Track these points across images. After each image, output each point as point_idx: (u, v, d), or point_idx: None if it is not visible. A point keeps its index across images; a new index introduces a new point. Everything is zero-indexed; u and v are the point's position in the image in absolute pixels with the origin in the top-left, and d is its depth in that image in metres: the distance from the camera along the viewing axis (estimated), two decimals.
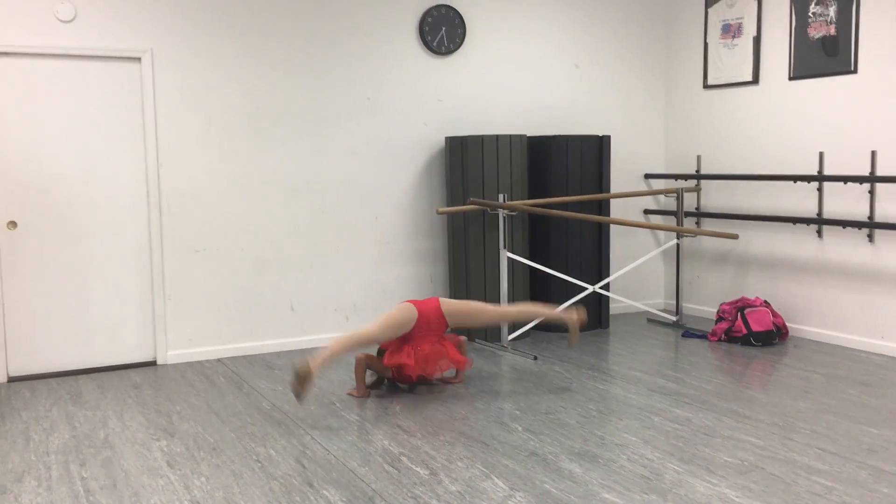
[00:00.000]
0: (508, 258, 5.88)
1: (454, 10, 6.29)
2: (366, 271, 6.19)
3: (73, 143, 5.32)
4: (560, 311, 4.88)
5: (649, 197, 7.10)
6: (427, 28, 6.22)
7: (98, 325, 5.46)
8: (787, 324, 6.01)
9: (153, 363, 5.61)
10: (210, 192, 5.67)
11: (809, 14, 5.83)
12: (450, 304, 4.83)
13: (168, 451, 3.92)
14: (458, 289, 6.13)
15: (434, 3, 6.23)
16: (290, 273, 5.94)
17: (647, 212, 7.17)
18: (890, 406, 4.36)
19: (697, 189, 6.75)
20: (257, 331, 5.87)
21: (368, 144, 6.13)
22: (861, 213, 5.55)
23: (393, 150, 6.21)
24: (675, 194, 6.58)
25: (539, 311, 5.12)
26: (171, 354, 5.63)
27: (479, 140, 5.93)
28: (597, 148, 6.37)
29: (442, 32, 6.28)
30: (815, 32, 5.81)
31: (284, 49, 5.81)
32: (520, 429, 4.14)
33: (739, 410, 4.34)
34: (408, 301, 4.80)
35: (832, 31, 5.69)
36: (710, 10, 6.64)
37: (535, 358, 5.56)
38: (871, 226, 5.46)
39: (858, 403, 4.42)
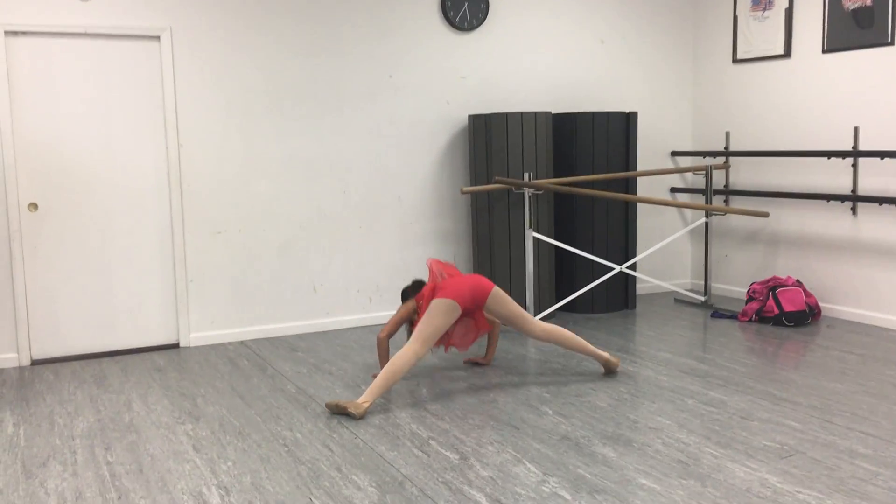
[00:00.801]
0: (534, 238, 5.77)
1: None
2: (389, 252, 6.11)
3: (92, 123, 5.26)
4: (601, 352, 4.62)
5: (676, 175, 6.95)
6: (449, 3, 6.09)
7: (120, 307, 5.41)
8: (821, 304, 5.88)
9: (176, 346, 5.56)
10: (231, 174, 5.59)
11: None
12: (497, 303, 4.50)
13: (193, 435, 3.87)
14: (483, 269, 6.03)
15: None
16: (313, 254, 5.87)
17: (673, 190, 7.02)
18: None
19: (727, 166, 6.60)
20: (280, 313, 5.81)
21: (391, 124, 6.02)
22: None
23: (415, 129, 6.10)
24: (704, 172, 6.44)
25: (580, 343, 4.58)
26: (193, 337, 5.58)
27: (504, 118, 5.81)
28: (623, 125, 6.23)
29: (464, 7, 6.14)
30: (850, 3, 5.62)
31: (305, 27, 5.70)
32: (550, 412, 4.05)
33: (775, 392, 4.22)
34: (449, 298, 4.34)
35: (867, 1, 5.51)
36: None
37: None
38: None
39: None
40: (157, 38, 5.34)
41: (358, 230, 5.99)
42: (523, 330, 4.54)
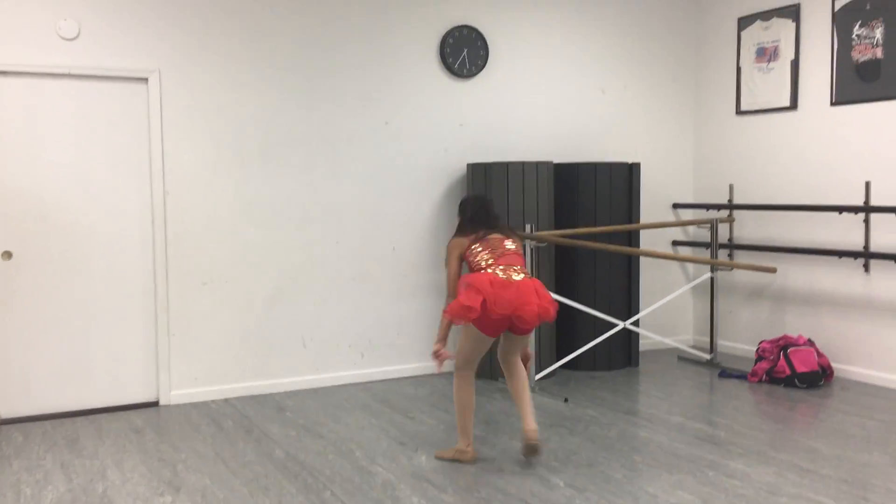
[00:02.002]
0: None
1: (476, 30, 5.99)
2: (383, 305, 5.82)
3: (74, 167, 4.98)
4: (530, 420, 3.98)
5: (677, 228, 6.76)
6: (448, 50, 5.92)
7: (97, 362, 5.08)
8: (833, 364, 5.64)
9: (155, 404, 5.22)
10: (219, 221, 5.32)
11: (853, 36, 5.53)
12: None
13: None
14: None
15: (455, 24, 5.93)
16: (303, 307, 5.58)
17: (675, 243, 6.82)
18: None
19: (731, 220, 6.41)
20: (267, 369, 5.49)
21: (386, 171, 5.79)
22: None
23: (412, 177, 5.87)
24: (709, 225, 6.24)
25: (523, 397, 4.07)
26: (174, 394, 5.24)
27: (504, 167, 5.60)
28: (626, 176, 6.04)
29: (463, 54, 5.97)
30: (860, 56, 5.51)
31: (299, 70, 5.49)
32: (561, 484, 3.75)
33: (800, 464, 3.95)
34: (477, 328, 3.94)
35: (878, 54, 5.39)
36: (743, 32, 6.35)
37: (566, 400, 5.18)
38: None
39: None
40: (145, 80, 5.11)
41: (351, 281, 5.71)
42: (509, 352, 4.12)
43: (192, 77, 5.20)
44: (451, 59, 5.93)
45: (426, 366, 5.95)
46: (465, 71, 5.99)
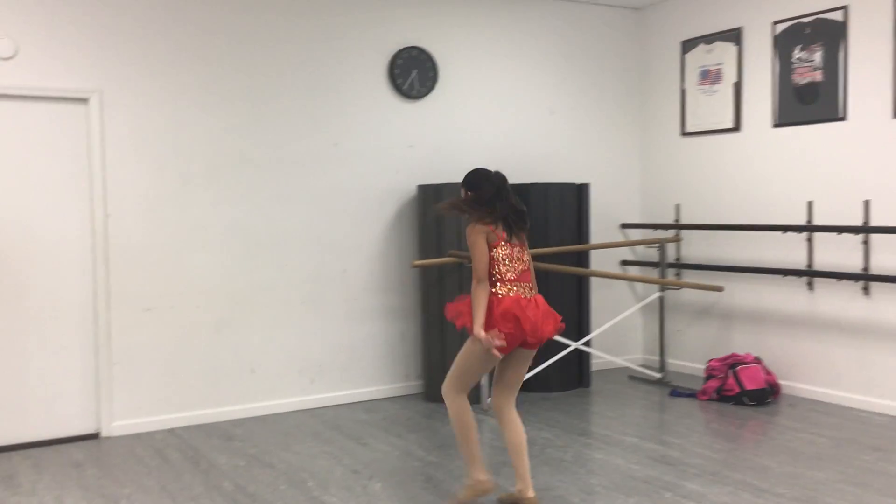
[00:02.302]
0: None
1: (426, 52, 5.98)
2: (333, 329, 5.72)
3: (10, 190, 4.79)
4: (527, 481, 3.65)
5: (626, 248, 6.81)
6: (397, 71, 5.88)
7: (35, 393, 4.86)
8: (780, 381, 5.73)
9: (96, 436, 5.01)
10: (163, 246, 5.16)
11: (793, 60, 5.67)
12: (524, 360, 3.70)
13: None
14: (433, 348, 5.70)
15: (405, 45, 5.91)
16: (251, 332, 5.44)
17: (624, 263, 6.88)
18: None
19: (678, 239, 6.49)
20: (214, 397, 5.33)
21: (336, 193, 5.71)
22: (855, 264, 5.33)
23: (362, 199, 5.80)
24: (658, 245, 6.31)
25: (521, 455, 3.69)
26: (116, 425, 5.05)
27: (455, 188, 5.56)
28: (575, 197, 6.07)
29: (413, 75, 5.95)
30: (800, 79, 5.65)
31: (245, 92, 5.39)
32: None
33: (755, 483, 3.98)
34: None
35: (818, 77, 5.53)
36: (687, 55, 6.47)
37: None
38: (866, 278, 5.24)
39: (879, 472, 4.11)
40: (86, 100, 4.95)
41: (300, 306, 5.60)
42: (503, 396, 3.69)
43: (135, 98, 5.06)
44: (400, 80, 5.90)
45: (378, 390, 5.87)
46: (414, 92, 5.96)
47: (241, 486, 4.08)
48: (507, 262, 3.56)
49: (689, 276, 6.45)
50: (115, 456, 4.64)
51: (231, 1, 5.33)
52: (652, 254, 6.61)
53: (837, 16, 5.38)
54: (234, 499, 3.91)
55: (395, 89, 5.90)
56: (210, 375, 5.32)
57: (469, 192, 3.68)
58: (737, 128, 6.11)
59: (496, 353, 3.45)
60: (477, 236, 3.53)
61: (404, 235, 5.96)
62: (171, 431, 5.10)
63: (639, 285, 6.87)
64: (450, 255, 5.41)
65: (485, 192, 3.63)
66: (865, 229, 5.22)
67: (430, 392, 5.77)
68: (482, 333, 3.43)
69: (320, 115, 5.64)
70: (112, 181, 5.01)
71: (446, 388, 3.71)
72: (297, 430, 5.10)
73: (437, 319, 5.66)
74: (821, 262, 5.55)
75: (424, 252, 5.72)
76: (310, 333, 5.64)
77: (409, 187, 5.95)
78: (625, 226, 6.86)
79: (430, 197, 5.65)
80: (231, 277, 5.37)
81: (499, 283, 3.54)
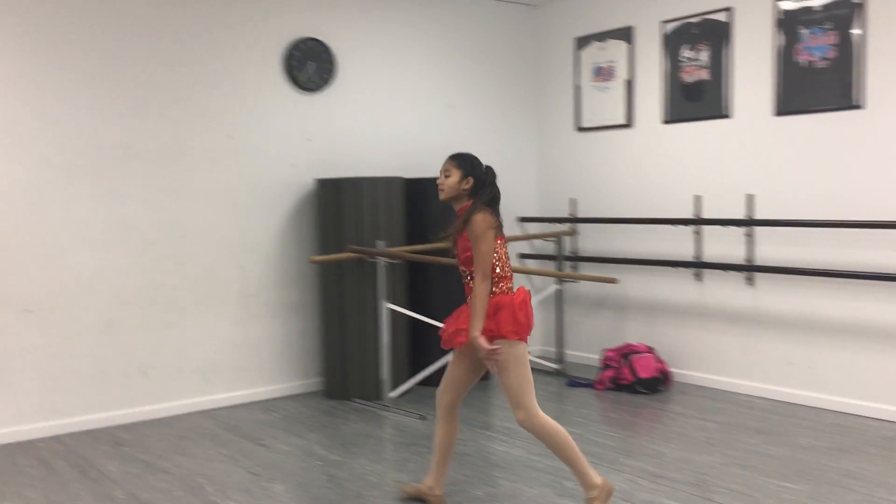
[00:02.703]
0: (388, 309, 5.45)
1: (323, 44, 5.87)
2: (229, 327, 5.56)
3: None
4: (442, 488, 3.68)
5: (524, 241, 6.91)
6: (294, 62, 5.75)
7: None
8: (671, 369, 5.94)
9: None
10: (45, 244, 4.88)
11: (682, 58, 5.87)
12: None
13: None
14: (333, 344, 5.62)
15: (301, 36, 5.78)
16: (142, 333, 5.22)
17: (522, 256, 6.97)
18: (793, 455, 4.28)
19: (573, 233, 6.63)
20: (102, 401, 5.09)
21: (230, 187, 5.54)
22: (739, 256, 5.58)
23: (258, 194, 5.65)
24: (555, 238, 6.42)
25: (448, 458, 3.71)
26: None
27: (354, 183, 5.51)
28: None
29: (310, 67, 5.83)
30: (688, 77, 5.85)
31: (134, 80, 5.15)
32: None
33: (650, 469, 4.11)
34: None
35: (704, 75, 5.75)
36: (581, 52, 6.60)
37: (423, 418, 5.14)
38: (750, 269, 5.49)
39: (764, 454, 4.31)
40: None
41: (194, 304, 5.41)
42: (460, 393, 3.59)
43: (12, 91, 4.75)
44: (296, 72, 5.77)
45: (277, 388, 5.74)
46: (311, 84, 5.84)
47: (133, 495, 3.91)
48: (505, 259, 3.43)
49: (585, 269, 6.60)
50: None
51: None
52: (549, 247, 6.73)
53: (722, 17, 5.60)
54: None
55: (291, 81, 5.77)
56: (97, 379, 5.07)
57: (469, 178, 3.44)
58: (629, 124, 6.28)
59: (493, 363, 3.28)
60: (488, 230, 3.28)
61: (302, 230, 5.84)
62: (57, 439, 4.83)
63: (537, 278, 6.98)
64: (349, 250, 5.34)
65: (487, 180, 3.47)
66: (749, 222, 5.46)
67: (331, 388, 5.69)
68: (483, 342, 3.23)
69: (214, 106, 5.46)
70: None
71: (529, 414, 3.34)
72: (193, 432, 4.93)
73: (336, 315, 5.59)
74: (708, 254, 5.78)
75: (323, 247, 5.63)
76: (205, 332, 5.46)
77: (306, 181, 5.83)
78: (522, 219, 6.96)
79: (329, 191, 5.56)
80: (119, 276, 5.13)
81: (503, 281, 3.37)
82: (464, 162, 3.49)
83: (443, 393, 3.60)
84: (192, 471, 4.23)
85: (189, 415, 5.32)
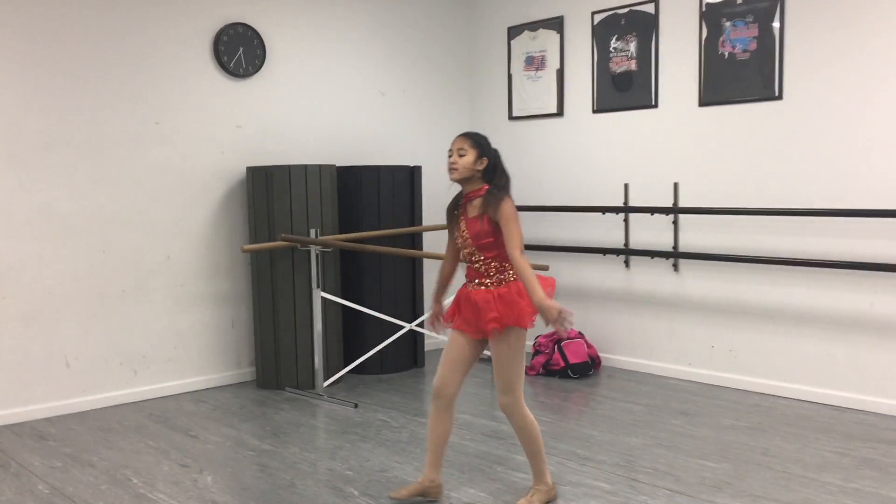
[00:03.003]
0: (321, 298, 5.42)
1: (252, 29, 5.78)
2: (157, 318, 5.46)
3: None
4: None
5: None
6: (223, 48, 5.66)
7: None
8: (601, 354, 6.07)
9: None
10: None
11: (611, 49, 5.98)
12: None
13: None
14: (266, 333, 5.57)
15: (230, 21, 5.68)
16: (66, 324, 5.09)
17: None
18: (714, 435, 4.43)
19: None
20: (24, 394, 4.95)
21: (158, 174, 5.43)
22: (666, 243, 5.72)
23: (187, 182, 5.55)
24: None
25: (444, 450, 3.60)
26: None
27: (286, 170, 5.46)
28: (408, 179, 6.11)
29: (240, 53, 5.74)
30: (617, 67, 5.96)
31: (56, 64, 4.99)
32: (356, 493, 3.71)
33: (579, 452, 4.20)
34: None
35: (633, 66, 5.86)
36: (513, 41, 6.65)
37: (356, 405, 5.14)
38: (675, 255, 5.64)
39: (686, 435, 4.45)
40: None
41: (120, 295, 5.29)
42: (459, 384, 3.50)
43: None
44: (226, 58, 5.68)
45: (208, 379, 5.67)
46: (241, 70, 5.76)
47: (57, 489, 3.83)
48: None
49: None
50: None
51: None
52: None
53: (650, 8, 5.71)
54: (50, 502, 3.66)
55: (220, 67, 5.68)
56: (19, 372, 4.93)
57: (484, 158, 3.38)
58: (560, 113, 6.36)
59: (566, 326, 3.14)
60: (515, 213, 3.26)
61: (233, 218, 5.77)
62: None
63: None
64: (282, 239, 5.30)
65: (499, 163, 3.42)
66: (674, 210, 5.61)
67: (264, 378, 5.65)
68: (555, 304, 3.08)
69: (141, 92, 5.33)
70: None
71: (516, 402, 3.38)
72: (120, 425, 4.84)
73: (269, 304, 5.54)
74: (636, 242, 5.91)
75: (255, 236, 5.57)
76: (132, 323, 5.35)
77: (237, 168, 5.76)
78: None
79: (260, 179, 5.49)
80: (41, 266, 4.98)
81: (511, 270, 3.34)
82: (480, 141, 3.40)
83: (448, 386, 3.44)
84: (119, 464, 4.16)
85: (116, 407, 5.22)
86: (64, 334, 5.09)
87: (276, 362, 5.60)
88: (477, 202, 3.38)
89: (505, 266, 3.35)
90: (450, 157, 3.40)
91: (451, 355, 3.46)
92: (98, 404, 5.20)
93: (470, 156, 3.37)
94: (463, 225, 3.43)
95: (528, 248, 6.45)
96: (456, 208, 3.53)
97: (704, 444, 4.28)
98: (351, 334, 5.92)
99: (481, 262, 3.38)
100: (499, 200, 3.30)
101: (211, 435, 4.62)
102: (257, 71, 5.83)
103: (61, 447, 4.44)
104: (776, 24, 5.07)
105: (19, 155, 4.89)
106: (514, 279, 3.33)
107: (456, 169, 3.37)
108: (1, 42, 4.80)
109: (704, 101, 5.47)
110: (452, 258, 3.66)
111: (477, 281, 3.40)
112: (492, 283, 3.36)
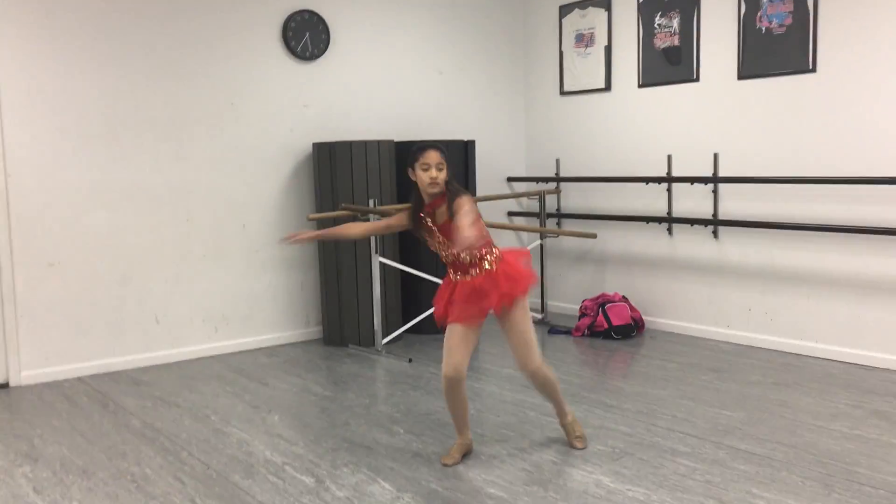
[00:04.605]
0: (380, 263, 5.92)
1: (318, 15, 6.27)
2: (235, 280, 6.06)
3: None
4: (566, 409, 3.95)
5: (512, 200, 7.34)
6: (291, 33, 6.17)
7: None
8: (644, 317, 6.39)
9: (5, 386, 5.25)
10: (65, 203, 5.38)
11: (655, 25, 6.23)
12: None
13: (33, 477, 3.71)
14: (331, 296, 6.11)
15: (297, 8, 6.19)
16: (155, 285, 5.73)
17: (510, 214, 7.41)
18: (739, 389, 4.74)
19: (557, 191, 7.05)
20: (120, 346, 5.63)
21: (233, 151, 6.00)
22: (706, 211, 5.98)
23: (259, 157, 6.11)
24: (538, 197, 6.85)
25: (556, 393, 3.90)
26: (25, 375, 5.29)
27: (348, 146, 5.95)
28: (462, 152, 6.52)
29: (306, 37, 6.25)
30: (661, 42, 6.21)
31: (143, 52, 5.60)
32: (402, 431, 4.19)
33: (607, 401, 4.58)
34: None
35: (676, 41, 6.11)
36: (563, 20, 6.96)
37: (410, 360, 5.63)
38: (715, 223, 5.90)
39: (712, 389, 4.77)
40: None
41: (202, 259, 5.91)
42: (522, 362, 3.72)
43: (31, 56, 5.21)
44: (293, 43, 6.19)
45: (280, 336, 6.26)
46: (307, 54, 6.26)
47: (148, 423, 4.44)
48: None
49: (568, 225, 7.04)
50: (25, 403, 4.91)
51: None
52: (536, 205, 7.15)
53: None
54: (141, 433, 4.27)
55: (289, 51, 6.19)
56: (116, 326, 5.60)
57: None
58: (608, 88, 6.66)
59: None
60: (472, 201, 3.46)
61: (301, 190, 6.31)
62: (80, 380, 5.38)
63: (525, 234, 7.42)
64: (343, 209, 5.80)
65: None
66: (714, 179, 5.86)
67: (329, 336, 6.20)
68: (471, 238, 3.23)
69: (217, 75, 5.90)
70: (10, 141, 5.18)
71: (539, 361, 3.70)
72: (202, 374, 5.46)
73: (333, 269, 6.07)
74: (678, 210, 6.19)
75: (320, 206, 6.09)
76: (212, 285, 5.96)
77: (304, 145, 6.28)
78: (511, 179, 7.37)
79: (324, 154, 6.00)
80: (133, 233, 5.62)
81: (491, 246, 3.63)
82: (443, 149, 3.61)
83: (460, 371, 3.61)
84: (200, 404, 4.76)
85: (199, 359, 5.85)
86: (154, 294, 5.73)
87: (340, 321, 6.13)
88: (443, 208, 3.56)
89: (491, 246, 3.61)
90: (427, 170, 3.53)
91: (453, 342, 3.61)
92: (184, 356, 5.84)
93: (446, 169, 3.55)
94: (438, 234, 3.61)
95: (578, 217, 6.84)
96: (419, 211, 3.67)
97: (727, 397, 4.60)
98: (409, 297, 6.41)
99: (469, 255, 3.55)
100: (456, 196, 3.48)
101: (280, 383, 5.19)
102: (322, 54, 6.33)
103: (152, 391, 5.08)
104: (810, 0, 5.25)
105: (111, 134, 5.52)
106: (500, 254, 3.62)
107: (438, 184, 3.53)
108: (97, 37, 5.42)
109: (743, 75, 5.69)
110: (367, 231, 4.19)
111: (471, 272, 3.59)
112: (484, 269, 3.57)
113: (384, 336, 6.01)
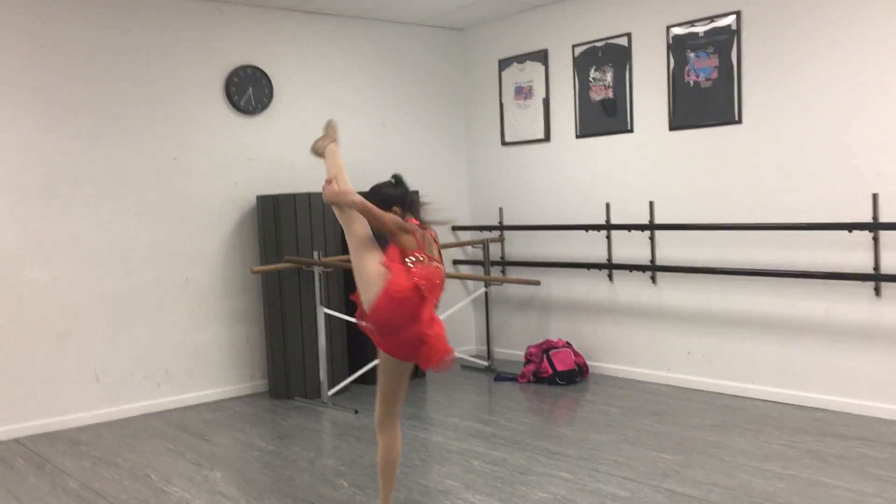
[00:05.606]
0: (325, 314, 5.93)
1: (260, 70, 6.35)
2: (178, 335, 6.00)
3: None
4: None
5: (458, 248, 7.43)
6: (234, 88, 6.23)
7: None
8: (588, 362, 6.48)
9: None
10: (0, 259, 5.30)
11: (590, 79, 6.45)
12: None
13: None
14: (276, 347, 6.09)
15: (240, 63, 6.26)
16: (95, 341, 5.65)
17: (456, 262, 7.49)
18: (678, 432, 4.84)
19: (501, 239, 7.17)
20: (58, 405, 5.51)
21: (176, 204, 6.00)
22: (644, 257, 6.14)
23: (203, 210, 6.11)
24: (482, 245, 6.95)
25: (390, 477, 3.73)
26: None
27: (292, 198, 5.99)
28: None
29: (249, 92, 6.31)
30: (596, 95, 6.42)
31: (84, 107, 5.60)
32: (346, 484, 4.18)
33: (550, 447, 4.64)
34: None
35: (610, 94, 6.32)
36: (503, 72, 7.15)
37: (356, 412, 5.62)
38: (653, 269, 6.06)
39: (651, 432, 4.86)
40: None
41: (144, 314, 5.85)
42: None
43: None
44: (237, 97, 6.25)
45: (224, 390, 6.20)
46: (251, 108, 6.32)
47: (85, 485, 4.35)
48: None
49: (513, 272, 7.15)
50: None
51: (68, 14, 5.52)
52: (480, 253, 7.26)
53: (623, 41, 6.18)
54: (79, 495, 4.19)
55: (232, 106, 6.25)
56: (54, 385, 5.49)
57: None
58: (547, 138, 6.84)
59: None
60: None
61: (245, 243, 6.31)
62: (16, 441, 5.24)
63: (471, 282, 7.51)
64: (287, 261, 5.82)
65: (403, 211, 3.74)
66: (651, 227, 6.04)
67: (275, 389, 6.16)
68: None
69: (159, 130, 5.91)
70: None
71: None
72: (143, 431, 5.37)
73: (278, 321, 6.06)
74: (618, 256, 6.34)
75: (265, 258, 6.10)
76: (155, 340, 5.90)
77: (248, 198, 6.31)
78: (455, 228, 7.48)
79: (268, 207, 6.03)
80: (71, 289, 5.55)
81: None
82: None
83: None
84: (140, 464, 4.68)
85: (141, 416, 5.75)
86: (93, 351, 5.65)
87: (286, 374, 6.11)
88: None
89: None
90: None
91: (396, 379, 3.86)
92: (124, 414, 5.74)
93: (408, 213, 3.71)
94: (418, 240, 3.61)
95: (522, 264, 6.96)
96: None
97: (666, 440, 4.69)
98: (355, 347, 6.41)
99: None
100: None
101: (224, 438, 5.13)
102: (265, 108, 6.39)
103: (91, 451, 4.98)
104: (734, 55, 5.51)
105: (51, 189, 5.48)
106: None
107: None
108: (37, 92, 5.41)
109: (674, 126, 5.91)
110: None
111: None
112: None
113: (330, 387, 5.99)
